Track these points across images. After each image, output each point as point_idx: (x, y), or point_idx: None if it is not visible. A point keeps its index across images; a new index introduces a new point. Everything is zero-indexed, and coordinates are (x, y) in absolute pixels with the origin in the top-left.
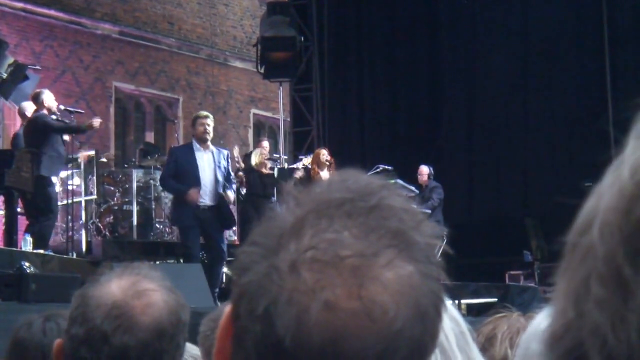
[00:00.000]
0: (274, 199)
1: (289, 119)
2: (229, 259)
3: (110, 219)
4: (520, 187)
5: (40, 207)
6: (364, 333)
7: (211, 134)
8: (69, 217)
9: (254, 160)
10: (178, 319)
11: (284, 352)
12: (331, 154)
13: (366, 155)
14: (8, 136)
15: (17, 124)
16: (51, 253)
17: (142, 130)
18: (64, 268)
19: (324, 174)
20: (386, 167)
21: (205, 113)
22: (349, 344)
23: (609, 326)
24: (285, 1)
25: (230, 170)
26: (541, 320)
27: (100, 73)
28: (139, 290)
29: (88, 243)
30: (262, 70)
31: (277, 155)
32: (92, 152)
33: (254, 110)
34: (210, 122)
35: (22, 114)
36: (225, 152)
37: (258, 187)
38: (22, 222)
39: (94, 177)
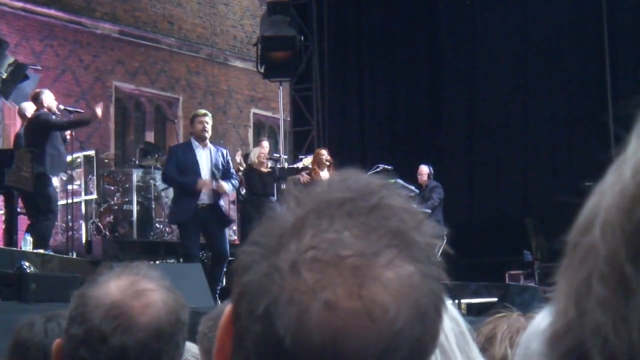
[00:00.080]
0: (274, 198)
1: (289, 119)
2: (230, 258)
3: (110, 218)
4: (520, 187)
5: (40, 206)
6: (364, 333)
7: (210, 132)
8: (69, 216)
9: (252, 159)
10: (177, 319)
11: (284, 352)
12: (331, 153)
13: (366, 155)
14: (8, 136)
15: (17, 124)
16: (51, 253)
17: (142, 130)
18: (64, 268)
19: (324, 174)
20: (386, 166)
21: (203, 111)
22: (350, 344)
23: (610, 326)
24: (285, 1)
25: (231, 167)
26: (541, 320)
27: (100, 73)
28: (138, 290)
29: (88, 243)
30: (262, 70)
31: (277, 155)
32: (93, 152)
33: (254, 110)
34: (208, 120)
35: (22, 114)
36: (224, 150)
37: (258, 187)
38: (22, 222)
39: (94, 177)
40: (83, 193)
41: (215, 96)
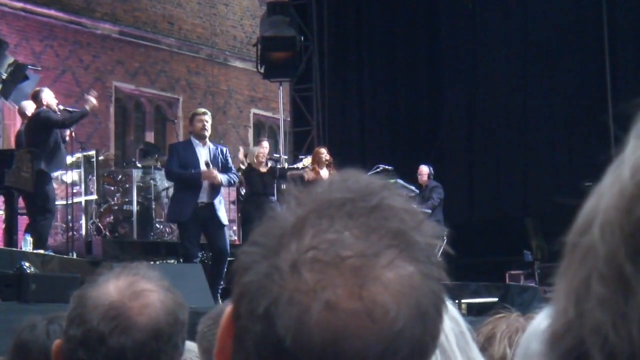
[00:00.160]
0: (274, 198)
1: (289, 119)
2: (229, 259)
3: (110, 219)
4: (520, 187)
5: (37, 205)
6: (364, 333)
7: (209, 131)
8: (69, 217)
9: (251, 158)
10: (175, 319)
11: (284, 352)
12: (331, 153)
13: (366, 155)
14: (8, 136)
15: (17, 124)
16: (51, 253)
17: (142, 130)
18: (64, 268)
19: (324, 173)
20: (386, 167)
21: (203, 110)
22: (350, 344)
23: (610, 324)
24: (285, 1)
25: (230, 163)
26: (541, 320)
27: (100, 73)
28: (136, 290)
29: (88, 243)
30: (262, 70)
31: (277, 155)
32: (93, 152)
33: (254, 110)
34: (208, 118)
35: (22, 113)
36: (224, 147)
37: (258, 186)
38: (22, 222)
39: (94, 177)
40: (83, 193)
41: (215, 96)
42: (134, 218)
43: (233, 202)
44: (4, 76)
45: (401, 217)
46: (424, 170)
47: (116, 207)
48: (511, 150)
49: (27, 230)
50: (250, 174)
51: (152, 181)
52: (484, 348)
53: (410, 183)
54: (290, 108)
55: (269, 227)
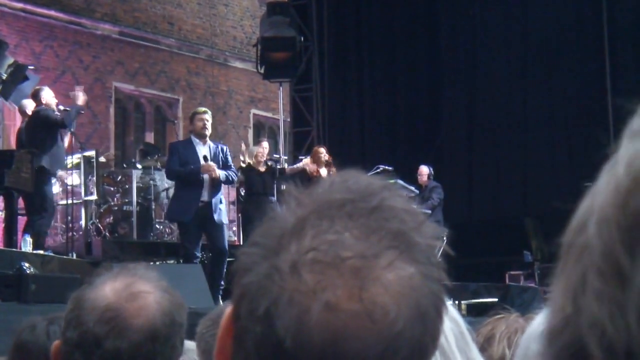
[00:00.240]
0: (274, 198)
1: (289, 119)
2: (229, 259)
3: (110, 219)
4: (520, 187)
5: (35, 204)
6: (364, 334)
7: (210, 130)
8: (69, 217)
9: (249, 158)
10: (172, 321)
11: (284, 352)
12: (331, 154)
13: (366, 155)
14: (8, 137)
15: (17, 124)
16: (51, 253)
17: (142, 131)
18: (64, 269)
19: (323, 172)
20: (386, 167)
21: (203, 109)
22: (350, 345)
23: (607, 317)
24: (285, 1)
25: (230, 161)
26: (541, 320)
27: (100, 73)
28: (133, 292)
29: (88, 243)
30: (262, 71)
31: (277, 156)
32: (92, 152)
33: (254, 111)
34: (208, 117)
35: (22, 111)
36: (224, 146)
37: (258, 186)
38: (22, 222)
39: (94, 178)
40: (83, 194)
41: (215, 97)
42: (134, 218)
43: (233, 203)
44: (4, 77)
45: (401, 218)
46: (424, 170)
47: (116, 208)
48: (511, 150)
49: (24, 230)
50: (249, 174)
51: (151, 182)
52: (483, 348)
53: (410, 183)
54: (290, 108)
55: (269, 227)
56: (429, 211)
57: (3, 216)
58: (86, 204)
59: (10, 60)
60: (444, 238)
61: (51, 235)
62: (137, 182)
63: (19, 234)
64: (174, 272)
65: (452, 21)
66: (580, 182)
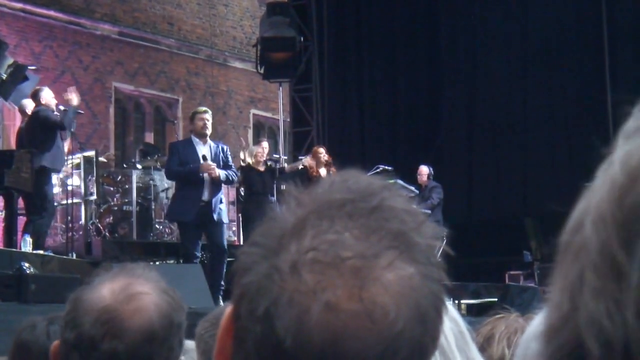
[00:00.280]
0: (273, 198)
1: (288, 120)
2: (228, 259)
3: (109, 219)
4: (520, 187)
5: (36, 204)
6: (364, 334)
7: (210, 129)
8: (69, 217)
9: (248, 159)
10: (170, 322)
11: (284, 352)
12: (330, 153)
13: (366, 155)
14: (8, 136)
15: (17, 124)
16: (51, 254)
17: (141, 131)
18: (64, 269)
19: (323, 172)
20: (386, 167)
21: (203, 108)
22: (350, 345)
23: (604, 313)
24: (285, 1)
25: (231, 161)
26: (541, 320)
27: (99, 73)
28: (130, 294)
29: (88, 243)
30: (261, 71)
31: (277, 156)
32: (92, 153)
33: (253, 111)
34: (209, 117)
35: (22, 111)
36: (224, 146)
37: (258, 186)
38: (22, 222)
39: (94, 178)
40: (83, 194)
41: (215, 97)
42: (134, 218)
43: (232, 203)
44: (4, 77)
45: (401, 218)
46: (424, 170)
47: (116, 208)
48: (511, 150)
49: (24, 230)
50: (249, 174)
51: (151, 182)
52: (482, 348)
53: (410, 183)
54: (290, 108)
55: (269, 227)
56: (429, 211)
57: (3, 216)
58: (86, 204)
59: (10, 60)
60: (444, 238)
61: (51, 235)
62: (136, 182)
63: (19, 234)
64: (174, 272)
65: (452, 21)
66: (580, 182)
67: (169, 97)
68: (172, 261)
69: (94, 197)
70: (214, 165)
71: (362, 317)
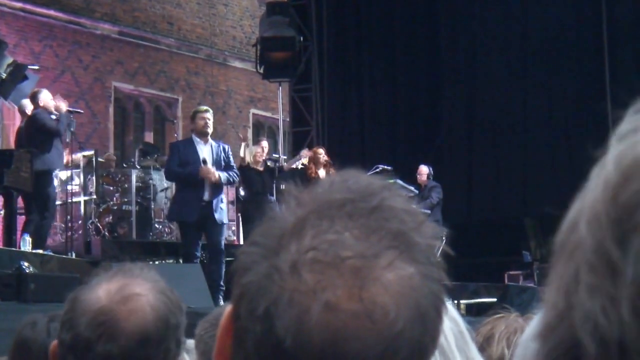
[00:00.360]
0: (273, 197)
1: (288, 119)
2: (227, 259)
3: (109, 219)
4: (520, 187)
5: (37, 204)
6: (364, 334)
7: (211, 128)
8: (68, 217)
9: (248, 158)
10: (166, 324)
11: (284, 352)
12: (330, 154)
13: (366, 155)
14: (7, 136)
15: (16, 124)
16: (50, 253)
17: (141, 131)
18: (63, 268)
19: (322, 173)
20: (386, 167)
21: (205, 107)
22: (350, 345)
23: (599, 310)
24: (285, 1)
25: (232, 161)
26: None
27: (99, 73)
28: (126, 295)
29: (87, 243)
30: (261, 70)
31: (277, 156)
32: (92, 152)
33: (253, 110)
34: (210, 116)
35: (22, 111)
36: (226, 145)
37: (258, 186)
38: (22, 222)
39: (93, 177)
40: (82, 193)
41: (215, 96)
42: (133, 218)
43: (232, 202)
44: (4, 76)
45: (401, 218)
46: (424, 170)
47: (115, 207)
48: (511, 150)
49: (23, 230)
50: (248, 174)
51: (151, 181)
52: (482, 348)
53: (410, 183)
54: (290, 108)
55: (268, 227)
56: (428, 211)
57: (2, 215)
58: (85, 203)
59: (9, 59)
60: (444, 238)
61: (50, 234)
62: (136, 182)
63: (18, 233)
64: (173, 272)
65: (452, 21)
66: (580, 182)
67: (168, 97)
68: (171, 261)
69: (94, 196)
70: (213, 169)
71: (362, 317)
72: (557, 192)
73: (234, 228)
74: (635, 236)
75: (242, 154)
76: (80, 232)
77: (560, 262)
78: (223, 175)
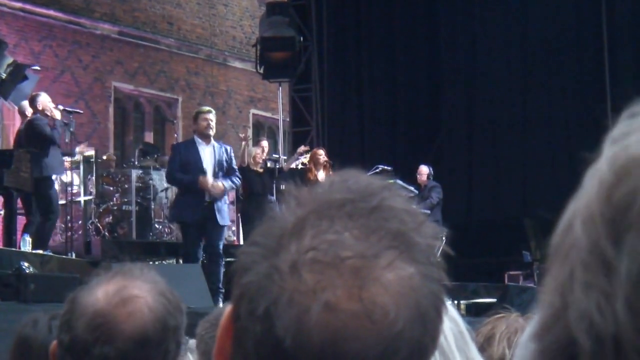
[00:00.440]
0: (273, 198)
1: (288, 119)
2: (227, 259)
3: (109, 219)
4: (520, 187)
5: (41, 207)
6: (364, 334)
7: (214, 130)
8: (68, 217)
9: (248, 159)
10: (164, 326)
11: (284, 352)
12: (330, 154)
13: (366, 155)
14: (7, 136)
15: (16, 124)
16: (50, 253)
17: (141, 131)
18: (63, 268)
19: (321, 175)
20: (385, 167)
21: (207, 108)
22: (349, 345)
23: (595, 307)
24: (285, 1)
25: (234, 164)
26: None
27: (99, 73)
28: (124, 297)
29: (87, 243)
30: (261, 71)
31: (277, 156)
32: (92, 152)
33: (253, 111)
34: (212, 117)
35: (22, 112)
36: (228, 147)
37: (258, 186)
38: (22, 222)
39: (93, 178)
40: (82, 193)
41: (215, 97)
42: (133, 218)
43: (232, 203)
44: (3, 76)
45: (401, 218)
46: (424, 170)
47: (115, 208)
48: (511, 150)
49: (24, 230)
50: (248, 175)
51: (151, 181)
52: (482, 348)
53: (410, 183)
54: (290, 108)
55: (268, 227)
56: (428, 211)
57: (2, 216)
58: (85, 203)
59: (9, 59)
60: (444, 238)
61: (51, 235)
62: (136, 182)
63: (19, 233)
64: (173, 272)
65: (452, 21)
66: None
67: (168, 97)
68: (171, 261)
69: (94, 196)
70: (211, 180)
71: (361, 317)
72: (557, 192)
73: (234, 228)
74: (629, 234)
75: (242, 143)
76: (80, 232)
77: (555, 264)
78: (227, 184)
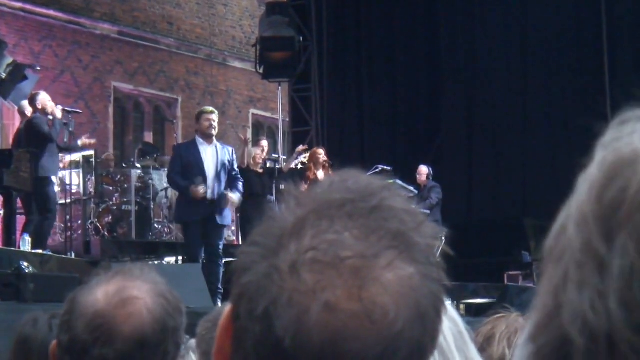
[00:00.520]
0: (272, 198)
1: (287, 119)
2: (227, 259)
3: (109, 218)
4: (520, 187)
5: (39, 206)
6: (364, 334)
7: (216, 130)
8: (68, 217)
9: (248, 160)
10: (163, 327)
11: (283, 352)
12: (330, 154)
13: (365, 155)
14: (7, 136)
15: (16, 124)
16: (50, 253)
17: (141, 131)
18: (63, 268)
19: (320, 174)
20: (385, 167)
21: (210, 109)
22: (349, 345)
23: (588, 305)
24: (285, 1)
25: (236, 166)
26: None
27: (99, 73)
28: (124, 298)
29: (87, 243)
30: (261, 71)
31: (276, 156)
32: (92, 152)
33: (252, 111)
34: (215, 117)
35: (21, 112)
36: (230, 148)
37: (257, 187)
38: (21, 222)
39: (93, 177)
40: (82, 193)
41: (214, 96)
42: (133, 218)
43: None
44: (3, 76)
45: (401, 218)
46: (423, 170)
47: (115, 207)
48: (511, 150)
49: (24, 230)
50: (248, 175)
51: (150, 181)
52: (482, 348)
53: (410, 183)
54: (289, 108)
55: (268, 227)
56: (428, 211)
57: (2, 215)
58: (85, 203)
59: (9, 59)
60: (443, 238)
61: (50, 234)
62: (135, 182)
63: (18, 233)
64: (173, 272)
65: (452, 21)
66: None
67: (168, 97)
68: (171, 261)
69: (93, 196)
70: (203, 190)
71: (361, 317)
72: (557, 192)
73: (233, 228)
74: (620, 232)
75: (241, 135)
76: (79, 232)
77: (549, 267)
78: (236, 197)
